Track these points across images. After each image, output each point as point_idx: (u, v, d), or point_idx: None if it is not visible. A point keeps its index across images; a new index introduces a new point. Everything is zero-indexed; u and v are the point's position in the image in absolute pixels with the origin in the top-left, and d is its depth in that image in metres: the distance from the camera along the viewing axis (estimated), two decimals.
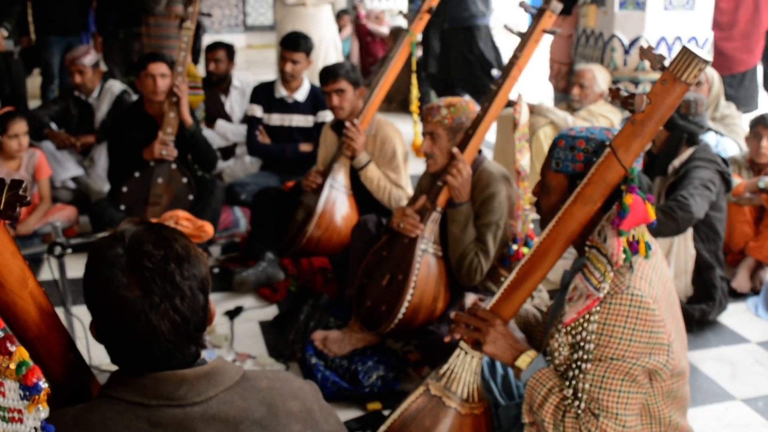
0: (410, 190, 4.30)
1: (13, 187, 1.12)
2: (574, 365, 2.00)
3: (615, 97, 1.97)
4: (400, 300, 3.23)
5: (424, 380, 2.36)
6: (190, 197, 4.67)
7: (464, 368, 2.29)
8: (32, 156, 5.03)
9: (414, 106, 4.67)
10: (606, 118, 5.15)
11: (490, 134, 6.77)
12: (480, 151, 3.43)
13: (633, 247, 1.98)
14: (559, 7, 3.19)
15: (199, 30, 7.07)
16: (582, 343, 1.97)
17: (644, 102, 1.91)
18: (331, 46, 6.98)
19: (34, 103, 7.34)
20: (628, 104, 1.91)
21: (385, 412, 3.13)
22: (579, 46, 6.23)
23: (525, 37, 3.25)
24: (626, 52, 5.62)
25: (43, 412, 1.24)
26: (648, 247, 2.02)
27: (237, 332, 3.79)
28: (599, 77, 5.26)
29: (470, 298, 2.50)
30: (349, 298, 3.69)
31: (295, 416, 1.47)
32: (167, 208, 4.44)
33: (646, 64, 5.53)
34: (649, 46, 1.99)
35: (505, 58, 3.35)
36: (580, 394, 1.98)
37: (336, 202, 4.18)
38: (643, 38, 5.55)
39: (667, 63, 1.92)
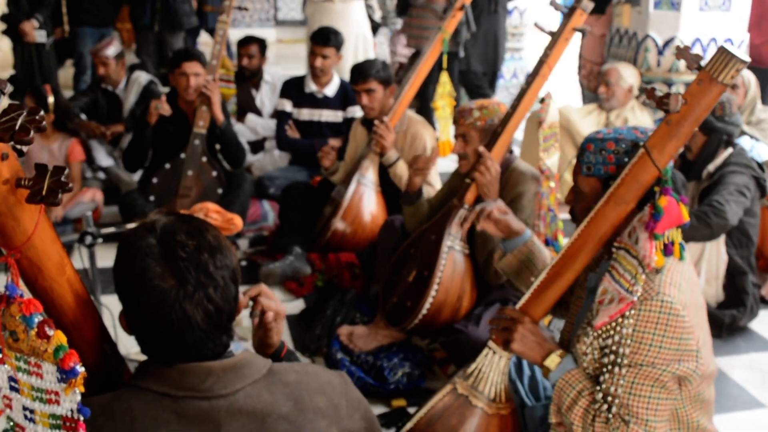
0: (439, 187, 4.28)
1: (56, 174, 1.12)
2: (605, 369, 1.98)
3: (650, 97, 1.93)
4: (425, 296, 3.23)
5: (451, 379, 2.35)
6: (219, 191, 4.70)
7: (492, 368, 2.28)
8: (66, 137, 5.10)
9: (437, 102, 4.65)
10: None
11: (518, 132, 6.78)
12: (511, 151, 3.43)
13: (668, 249, 1.96)
14: (590, 5, 3.18)
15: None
16: (615, 347, 1.95)
17: (679, 102, 1.88)
18: (361, 41, 6.98)
19: (66, 94, 7.39)
20: (663, 104, 1.88)
21: (410, 410, 3.12)
22: (612, 46, 6.18)
23: (555, 36, 3.24)
24: (660, 52, 5.57)
25: (80, 394, 1.25)
26: (682, 248, 2.00)
27: None
28: (625, 74, 5.21)
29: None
30: (375, 294, 3.70)
31: (321, 412, 1.47)
32: (196, 201, 4.46)
33: (681, 65, 5.49)
34: (685, 45, 1.96)
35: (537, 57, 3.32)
36: (610, 398, 1.96)
37: (363, 198, 4.18)
38: (678, 39, 5.49)
39: (703, 63, 1.89)
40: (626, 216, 2.04)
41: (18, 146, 1.12)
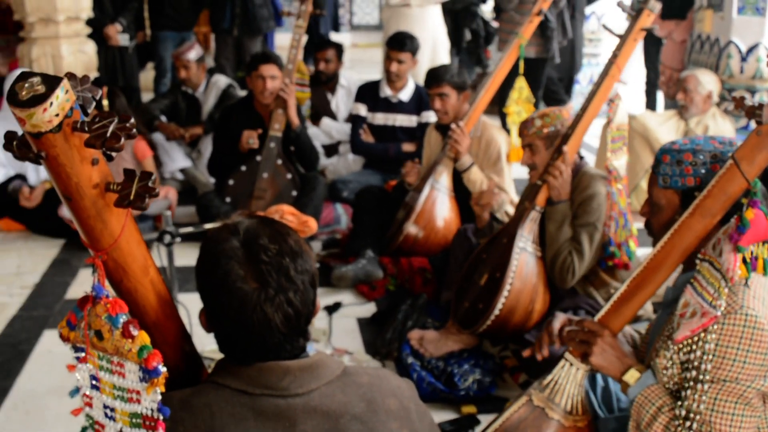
0: (513, 194, 4.26)
1: (143, 179, 1.16)
2: (686, 384, 1.94)
3: (739, 106, 1.88)
4: (497, 297, 3.22)
5: (527, 390, 2.33)
6: (294, 193, 4.76)
7: (569, 380, 2.25)
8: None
9: (510, 108, 4.62)
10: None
11: (593, 139, 6.70)
12: (581, 156, 3.42)
13: (752, 264, 1.90)
14: (658, 6, 3.18)
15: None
16: (696, 363, 1.90)
17: None
18: (438, 46, 6.99)
19: (147, 96, 7.59)
20: (755, 114, 1.83)
21: (480, 417, 3.11)
22: (693, 52, 6.05)
23: (624, 36, 3.25)
24: (743, 59, 5.42)
25: (160, 394, 1.28)
26: (767, 263, 1.94)
27: (335, 327, 3.83)
28: (703, 80, 5.09)
29: (558, 319, 2.44)
30: (446, 301, 3.69)
31: (393, 414, 1.47)
32: (271, 203, 4.53)
33: (765, 71, 5.35)
34: None
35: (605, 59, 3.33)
36: (692, 415, 1.91)
37: (436, 202, 4.18)
38: (763, 45, 5.35)
39: None
40: (711, 228, 2.00)
41: (108, 152, 1.16)
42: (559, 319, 2.41)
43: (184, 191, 5.75)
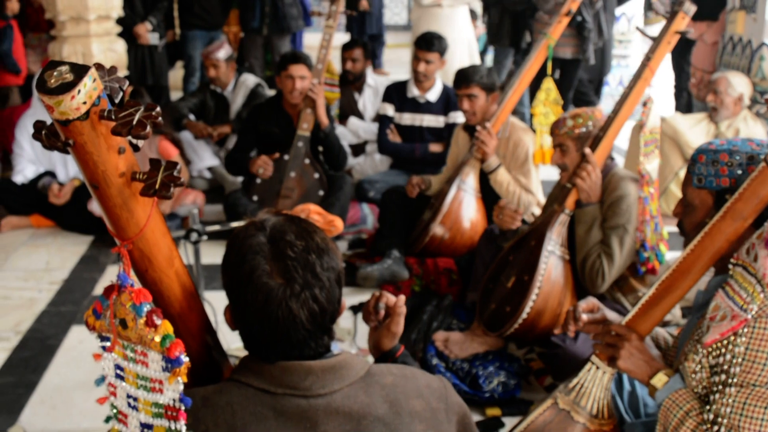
0: (540, 195, 4.24)
1: (169, 169, 1.16)
2: (715, 388, 1.91)
3: None
4: (525, 300, 3.20)
5: (552, 393, 2.31)
6: (321, 193, 4.76)
7: (595, 383, 2.22)
8: (153, 136, 5.24)
9: (536, 109, 4.59)
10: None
11: (622, 142, 6.64)
12: (612, 158, 3.39)
13: None
14: (693, 9, 3.14)
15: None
16: (726, 366, 1.87)
17: None
18: (466, 47, 6.96)
19: (176, 95, 7.64)
20: None
21: (505, 419, 3.09)
22: (724, 54, 5.98)
23: (658, 39, 3.23)
24: None
25: (182, 384, 1.28)
26: None
27: (360, 327, 3.82)
28: (734, 82, 5.03)
29: (586, 301, 2.39)
30: (472, 302, 3.68)
31: (418, 415, 1.46)
32: (298, 202, 4.54)
33: None
34: None
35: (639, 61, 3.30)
36: (720, 419, 1.88)
37: (462, 203, 4.17)
38: None
39: None
40: (743, 232, 1.96)
41: (134, 141, 1.16)
42: (588, 301, 2.38)
43: (211, 190, 5.78)
